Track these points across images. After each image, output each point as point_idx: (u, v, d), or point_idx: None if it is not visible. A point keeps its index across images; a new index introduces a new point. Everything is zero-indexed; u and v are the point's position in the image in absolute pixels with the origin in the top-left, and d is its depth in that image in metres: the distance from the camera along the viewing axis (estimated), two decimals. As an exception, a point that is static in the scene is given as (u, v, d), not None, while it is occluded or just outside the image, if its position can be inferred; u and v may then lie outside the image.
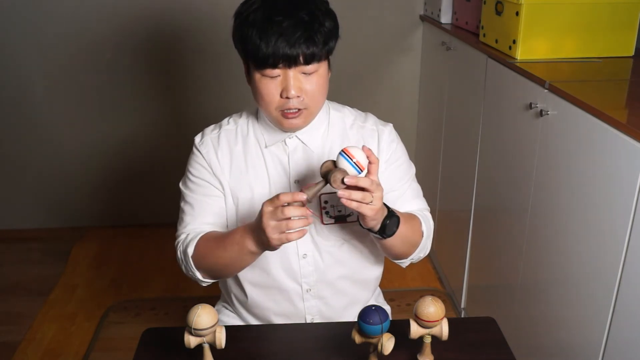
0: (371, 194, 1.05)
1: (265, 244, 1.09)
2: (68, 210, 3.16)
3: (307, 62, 1.16)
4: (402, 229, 1.19)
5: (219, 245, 1.20)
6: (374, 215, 1.08)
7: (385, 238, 1.17)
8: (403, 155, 1.34)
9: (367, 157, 1.05)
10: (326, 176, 1.04)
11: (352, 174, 1.03)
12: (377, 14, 2.86)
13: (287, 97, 1.17)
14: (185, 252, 1.24)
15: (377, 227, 1.13)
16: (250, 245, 1.13)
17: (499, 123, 1.93)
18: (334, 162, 1.05)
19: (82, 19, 2.77)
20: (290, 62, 1.15)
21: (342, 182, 1.02)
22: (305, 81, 1.18)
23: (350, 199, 1.03)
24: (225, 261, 1.20)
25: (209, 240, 1.23)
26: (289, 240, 1.06)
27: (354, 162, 1.03)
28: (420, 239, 1.28)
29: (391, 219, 1.14)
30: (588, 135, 1.40)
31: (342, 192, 1.02)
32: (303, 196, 1.02)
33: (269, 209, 1.04)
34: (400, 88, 2.99)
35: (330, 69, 1.25)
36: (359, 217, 1.12)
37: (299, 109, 1.19)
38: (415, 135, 3.03)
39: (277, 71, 1.16)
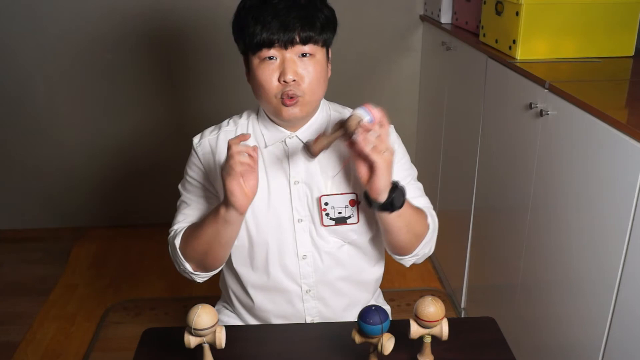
0: (385, 144, 1.06)
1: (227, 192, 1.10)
2: (68, 210, 3.17)
3: (304, 42, 1.16)
4: (409, 210, 1.18)
5: (199, 225, 1.22)
6: (385, 170, 1.07)
7: (393, 210, 1.14)
8: (405, 156, 1.34)
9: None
10: (342, 126, 1.06)
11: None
12: (377, 14, 2.86)
13: (285, 81, 1.16)
14: (173, 244, 1.26)
15: (385, 196, 1.12)
16: (222, 209, 1.14)
17: (499, 123, 1.93)
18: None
19: (83, 19, 2.77)
20: (287, 41, 1.15)
21: (359, 125, 1.04)
22: (302, 66, 1.17)
23: (367, 140, 1.04)
24: (204, 238, 1.20)
25: (192, 226, 1.25)
26: (237, 165, 1.07)
27: (372, 115, 1.05)
28: (426, 231, 1.27)
29: (397, 190, 1.13)
30: (588, 135, 1.40)
31: (361, 130, 1.04)
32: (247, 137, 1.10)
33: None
34: (400, 88, 2.99)
35: (329, 63, 1.25)
36: (368, 187, 1.11)
37: (296, 96, 1.18)
38: (415, 135, 3.03)
39: (273, 51, 1.16)
